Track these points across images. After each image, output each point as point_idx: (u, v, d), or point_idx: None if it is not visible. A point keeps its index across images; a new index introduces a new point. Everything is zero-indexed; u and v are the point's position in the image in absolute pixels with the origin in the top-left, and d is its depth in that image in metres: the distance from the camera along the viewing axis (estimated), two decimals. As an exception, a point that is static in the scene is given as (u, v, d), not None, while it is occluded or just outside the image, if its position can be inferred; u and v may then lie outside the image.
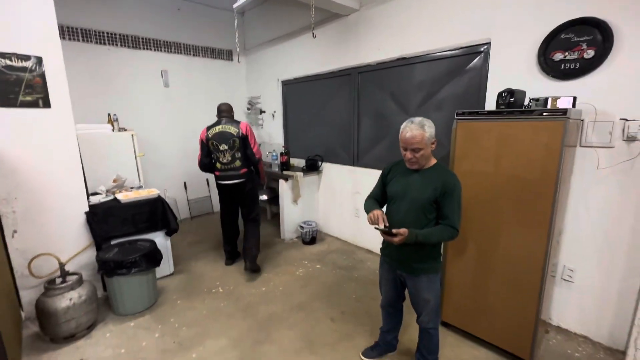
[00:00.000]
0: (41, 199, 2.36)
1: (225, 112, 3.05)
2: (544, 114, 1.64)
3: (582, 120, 1.97)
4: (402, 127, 1.54)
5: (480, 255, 2.00)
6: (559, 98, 1.83)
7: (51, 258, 2.33)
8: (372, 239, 3.46)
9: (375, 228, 1.53)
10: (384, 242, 1.74)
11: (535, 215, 1.74)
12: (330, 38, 3.61)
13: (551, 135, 1.62)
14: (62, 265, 2.22)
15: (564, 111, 1.58)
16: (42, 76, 2.28)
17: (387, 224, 1.53)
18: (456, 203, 1.50)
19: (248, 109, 5.13)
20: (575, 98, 1.83)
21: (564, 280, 2.20)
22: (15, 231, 2.28)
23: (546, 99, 1.84)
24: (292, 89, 4.41)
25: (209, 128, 3.00)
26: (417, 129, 1.47)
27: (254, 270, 3.05)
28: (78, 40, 3.65)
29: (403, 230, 1.45)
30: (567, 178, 1.97)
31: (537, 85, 2.14)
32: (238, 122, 2.99)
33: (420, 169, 1.59)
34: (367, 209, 1.66)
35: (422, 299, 1.64)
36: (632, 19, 1.78)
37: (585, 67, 1.94)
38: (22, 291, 2.36)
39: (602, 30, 1.85)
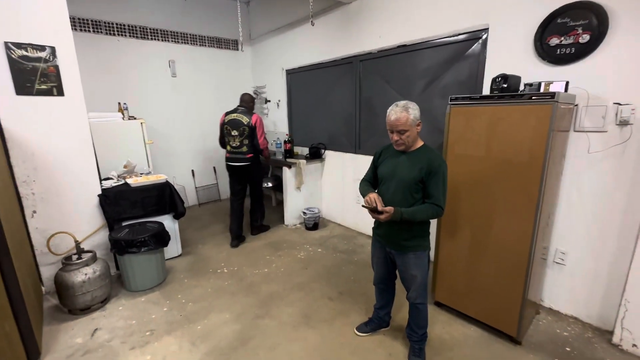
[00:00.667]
0: (57, 182, 2.52)
1: (244, 102, 3.44)
2: (533, 98, 1.68)
3: (576, 105, 1.99)
4: (388, 110, 1.61)
5: (472, 238, 2.07)
6: (551, 83, 1.87)
7: (68, 237, 2.51)
8: (372, 225, 3.54)
9: (363, 206, 1.61)
10: (375, 222, 1.83)
11: (524, 199, 1.79)
12: (332, 26, 3.65)
13: (539, 119, 1.66)
14: (77, 243, 2.39)
15: (552, 95, 1.61)
16: (56, 66, 2.41)
17: (384, 205, 1.60)
18: (441, 182, 1.57)
19: (253, 98, 5.22)
20: (567, 83, 1.85)
21: (556, 263, 2.25)
22: (34, 212, 2.45)
23: (539, 84, 1.87)
24: (296, 77, 4.47)
25: (227, 114, 3.39)
26: (402, 112, 1.55)
27: (257, 232, 3.79)
28: (89, 31, 3.78)
29: (389, 208, 1.53)
30: (559, 162, 2.00)
31: (533, 71, 2.15)
32: (251, 114, 3.35)
33: (407, 151, 1.66)
34: (363, 192, 1.75)
35: (410, 274, 1.73)
36: (626, 2, 1.78)
37: (580, 52, 1.95)
38: (41, 267, 2.54)
39: (598, 13, 1.85)
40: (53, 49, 2.39)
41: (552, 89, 1.83)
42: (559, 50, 2.03)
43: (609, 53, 1.87)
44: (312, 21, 2.73)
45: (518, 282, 1.88)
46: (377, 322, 2.10)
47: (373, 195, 1.62)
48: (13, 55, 2.24)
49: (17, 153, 2.33)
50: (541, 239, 1.94)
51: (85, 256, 2.37)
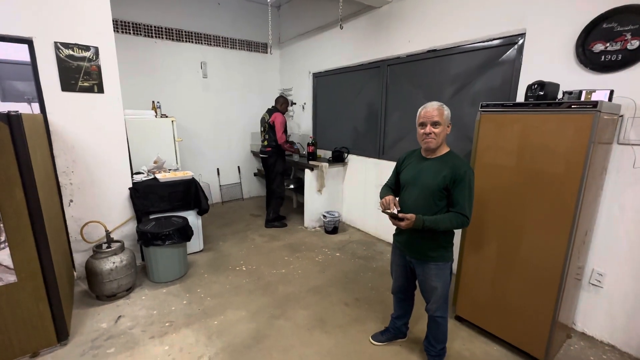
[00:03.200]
0: (93, 174, 2.67)
1: (276, 103, 3.97)
2: (572, 106, 1.58)
3: (621, 116, 1.85)
4: (420, 108, 1.59)
5: (499, 251, 1.96)
6: (594, 91, 1.75)
7: (100, 226, 2.65)
8: (392, 231, 3.47)
9: (384, 212, 1.58)
10: (397, 229, 1.78)
11: (558, 213, 1.68)
12: (361, 30, 3.64)
13: (578, 129, 1.56)
14: (108, 233, 2.51)
15: (595, 104, 1.51)
16: (98, 65, 2.57)
17: (399, 208, 1.57)
18: (467, 190, 1.51)
19: (286, 101, 5.32)
20: (612, 91, 1.73)
21: (592, 284, 2.09)
22: (71, 200, 2.61)
23: (580, 92, 1.75)
24: (323, 81, 4.49)
25: (264, 112, 3.99)
26: (437, 106, 1.55)
27: (269, 226, 4.08)
28: (129, 33, 4.01)
29: (410, 215, 1.49)
30: (599, 176, 1.86)
31: (573, 79, 2.03)
32: (273, 113, 3.84)
33: (432, 157, 1.61)
34: (381, 195, 1.72)
35: (430, 286, 1.67)
36: (684, 5, 1.64)
37: (628, 59, 1.82)
38: (74, 254, 2.70)
39: (649, 18, 1.72)
40: (96, 49, 2.54)
41: (594, 97, 1.71)
42: (603, 56, 1.90)
43: (662, 61, 1.72)
44: (340, 24, 2.74)
45: (548, 301, 1.77)
46: (393, 332, 2.04)
47: (389, 198, 1.59)
48: (61, 55, 2.41)
49: (60, 145, 2.50)
50: (576, 258, 1.81)
51: (114, 245, 2.49)
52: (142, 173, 3.13)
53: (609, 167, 1.94)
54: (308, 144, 4.13)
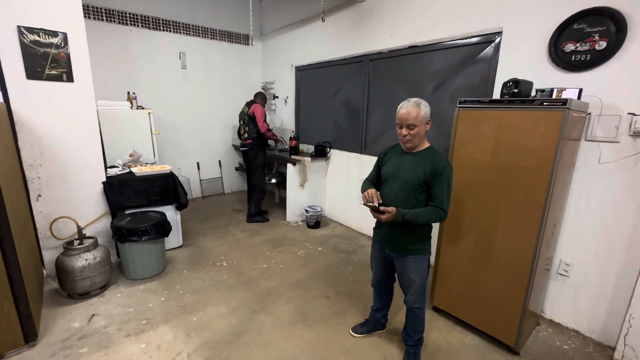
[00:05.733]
0: (63, 167, 2.54)
1: (255, 97, 3.97)
2: (544, 103, 1.64)
3: (589, 113, 1.94)
4: (399, 105, 1.59)
5: (474, 244, 2.03)
6: (564, 89, 1.81)
7: (70, 222, 2.53)
8: (373, 225, 3.52)
9: (364, 204, 1.59)
10: (376, 222, 1.80)
11: (529, 206, 1.75)
12: (343, 24, 3.62)
13: (549, 125, 1.62)
14: (80, 229, 2.41)
15: (564, 101, 1.57)
16: (67, 52, 2.43)
17: (381, 201, 1.59)
18: (446, 185, 1.54)
19: (265, 96, 5.24)
20: (581, 90, 1.80)
21: (560, 274, 2.20)
22: (39, 195, 2.48)
23: (552, 90, 1.82)
24: (305, 75, 4.46)
25: (243, 106, 3.94)
26: (413, 107, 1.53)
27: (250, 221, 4.03)
28: (102, 19, 3.81)
29: (391, 209, 1.51)
30: (568, 171, 1.95)
31: (546, 77, 2.10)
32: (252, 104, 3.82)
33: (413, 151, 1.63)
34: (363, 189, 1.73)
35: (409, 278, 1.70)
36: (647, 9, 1.73)
37: (596, 59, 1.90)
38: (44, 251, 2.57)
39: (616, 20, 1.80)
40: (65, 35, 2.40)
41: (564, 95, 1.78)
42: (574, 56, 1.98)
43: (626, 61, 1.81)
44: (322, 17, 2.72)
45: (519, 291, 1.85)
46: (373, 324, 2.08)
47: (371, 191, 1.60)
48: (25, 40, 2.26)
49: (25, 136, 2.36)
50: (545, 249, 1.89)
51: (87, 242, 2.39)
52: (117, 167, 3.01)
53: (577, 162, 2.03)
54: (290, 138, 4.10)
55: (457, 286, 2.15)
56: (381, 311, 2.04)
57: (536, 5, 2.13)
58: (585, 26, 1.92)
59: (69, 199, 2.60)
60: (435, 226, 1.94)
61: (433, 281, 2.28)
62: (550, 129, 1.62)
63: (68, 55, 2.44)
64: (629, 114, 1.82)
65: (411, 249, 1.66)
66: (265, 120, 3.82)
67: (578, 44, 1.96)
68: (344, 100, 3.86)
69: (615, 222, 1.95)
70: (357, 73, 3.61)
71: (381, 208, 1.51)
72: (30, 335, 1.85)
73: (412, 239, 1.65)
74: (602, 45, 1.87)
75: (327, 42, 3.89)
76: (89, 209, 2.71)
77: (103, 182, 2.73)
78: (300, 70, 4.51)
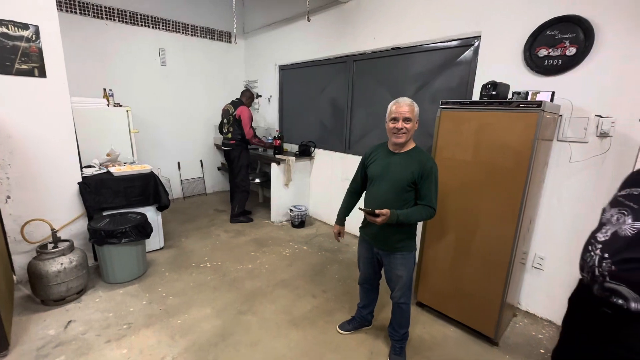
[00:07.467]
0: (35, 167, 2.41)
1: (242, 96, 3.91)
2: (521, 105, 1.72)
3: (560, 115, 2.06)
4: (391, 103, 1.64)
5: (456, 241, 2.10)
6: (538, 92, 1.92)
7: (44, 225, 2.41)
8: (358, 224, 3.57)
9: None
10: (363, 221, 1.84)
11: (508, 204, 1.83)
12: (328, 24, 3.64)
13: (525, 126, 1.71)
14: (54, 231, 2.30)
15: (539, 103, 1.66)
16: (39, 45, 2.31)
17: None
18: (433, 185, 1.60)
19: (252, 95, 5.17)
20: (553, 93, 1.91)
21: (534, 267, 2.32)
22: (8, 197, 2.34)
23: (527, 93, 1.92)
24: (289, 74, 4.44)
25: (227, 104, 3.89)
26: (409, 102, 1.61)
27: (234, 221, 3.97)
28: (75, 12, 3.64)
29: (385, 211, 1.54)
30: (542, 170, 2.06)
31: (521, 80, 2.21)
32: (239, 106, 3.77)
33: (400, 152, 1.67)
34: (341, 208, 2.01)
35: (395, 274, 1.74)
36: (612, 18, 1.85)
37: (567, 64, 2.02)
38: (14, 255, 2.43)
39: (584, 28, 1.92)
40: (37, 28, 2.28)
41: (538, 98, 1.88)
42: (547, 61, 2.09)
43: (593, 67, 1.94)
44: (308, 17, 2.72)
45: (498, 285, 1.93)
46: (359, 321, 2.11)
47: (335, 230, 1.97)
48: (-8, 32, 2.13)
49: (-7, 135, 2.22)
50: (522, 244, 1.99)
51: (62, 245, 2.28)
52: (94, 167, 2.89)
53: (550, 161, 2.15)
54: (274, 138, 4.08)
55: (440, 282, 2.22)
56: (367, 308, 2.08)
57: (512, 11, 2.23)
58: (557, 33, 2.03)
59: (42, 200, 2.47)
60: (420, 224, 2.00)
61: (417, 277, 2.34)
62: (526, 130, 1.71)
63: (40, 50, 2.32)
64: (596, 116, 1.95)
65: (399, 246, 1.70)
66: (251, 126, 3.79)
67: (550, 50, 2.07)
68: (328, 100, 3.88)
69: (584, 217, 2.08)
70: (341, 73, 3.64)
71: (376, 211, 1.54)
72: (1, 345, 1.74)
73: (400, 236, 1.70)
74: (572, 51, 1.99)
75: (311, 41, 3.90)
76: (63, 211, 2.58)
77: (79, 183, 2.62)
78: (284, 70, 4.49)
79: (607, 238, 1.05)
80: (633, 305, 0.98)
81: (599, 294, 1.05)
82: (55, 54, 2.38)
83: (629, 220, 1.01)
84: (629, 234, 0.99)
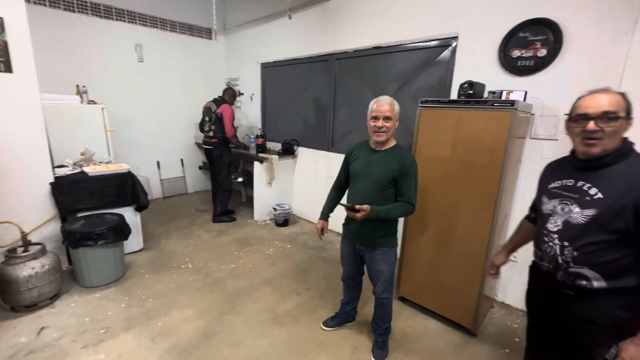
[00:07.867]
0: (2, 167, 2.29)
1: (224, 94, 3.85)
2: (495, 104, 1.79)
3: (533, 114, 2.15)
4: (372, 102, 1.66)
5: (436, 236, 2.16)
6: (512, 92, 2.00)
7: (13, 227, 2.28)
8: (342, 222, 3.60)
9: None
10: (346, 218, 1.86)
11: (484, 199, 1.90)
12: (310, 22, 3.64)
13: (500, 125, 1.77)
14: (24, 234, 2.19)
15: (512, 102, 1.73)
16: (4, 39, 2.19)
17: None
18: (413, 182, 1.64)
19: (234, 93, 5.10)
20: (526, 93, 2.00)
21: (510, 260, 2.40)
22: (-27, 199, 2.21)
23: (501, 92, 1.99)
24: (272, 72, 4.41)
25: (209, 101, 3.80)
26: (389, 101, 1.63)
27: (216, 221, 3.92)
28: (44, 4, 3.47)
29: (365, 207, 1.56)
30: (515, 167, 2.15)
31: (496, 79, 2.29)
32: (221, 104, 3.70)
33: (382, 149, 1.70)
34: (326, 202, 2.00)
35: (377, 270, 1.78)
36: (579, 22, 1.95)
37: (539, 65, 2.11)
38: (-20, 261, 2.30)
39: (554, 31, 2.01)
40: (1, 21, 2.16)
41: (512, 97, 1.96)
42: (519, 62, 2.18)
43: (562, 67, 2.03)
44: (289, 14, 2.71)
45: (476, 278, 2.00)
46: (343, 317, 2.13)
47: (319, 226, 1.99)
48: (-48, 23, 2.00)
49: (-46, 133, 2.09)
50: (497, 238, 2.07)
51: (33, 249, 2.18)
52: (67, 166, 2.77)
53: (523, 158, 2.24)
54: (257, 136, 4.04)
55: (421, 276, 2.28)
56: (351, 304, 2.10)
57: (488, 13, 2.30)
58: (529, 35, 2.12)
59: (10, 201, 2.35)
60: (401, 220, 2.04)
61: (399, 272, 2.39)
62: (500, 128, 1.77)
63: (5, 43, 2.20)
64: (565, 114, 2.03)
65: (380, 242, 1.73)
66: (232, 125, 3.75)
67: (523, 51, 2.16)
68: (311, 99, 3.88)
69: (555, 212, 2.18)
70: (323, 72, 3.65)
71: (356, 207, 1.56)
72: (-34, 355, 1.65)
73: (381, 233, 1.73)
74: (543, 52, 2.08)
75: (294, 39, 3.88)
76: (34, 213, 2.46)
77: (50, 183, 2.50)
78: (266, 67, 4.45)
79: (559, 227, 1.13)
80: (595, 284, 1.05)
81: (562, 280, 1.12)
82: (22, 48, 2.26)
83: (577, 209, 1.08)
84: (582, 222, 1.07)
